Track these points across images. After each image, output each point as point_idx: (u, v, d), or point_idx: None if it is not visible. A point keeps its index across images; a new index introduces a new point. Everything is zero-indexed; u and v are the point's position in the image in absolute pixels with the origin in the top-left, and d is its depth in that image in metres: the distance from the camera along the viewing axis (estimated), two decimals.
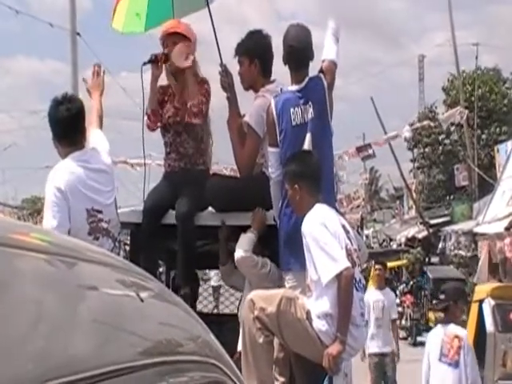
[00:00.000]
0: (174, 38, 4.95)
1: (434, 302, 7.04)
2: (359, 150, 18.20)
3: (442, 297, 6.79)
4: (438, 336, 6.45)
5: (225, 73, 4.96)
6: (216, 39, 5.14)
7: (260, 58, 4.83)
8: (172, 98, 5.04)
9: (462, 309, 6.81)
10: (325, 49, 4.64)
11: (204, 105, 4.88)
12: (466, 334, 6.55)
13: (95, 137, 4.56)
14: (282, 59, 4.60)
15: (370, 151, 18.09)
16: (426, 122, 21.24)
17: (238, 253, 4.50)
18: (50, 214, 4.06)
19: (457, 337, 6.29)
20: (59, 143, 4.27)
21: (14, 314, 0.86)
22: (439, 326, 6.68)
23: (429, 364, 6.47)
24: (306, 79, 4.52)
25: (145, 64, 4.93)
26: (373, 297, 9.92)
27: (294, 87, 4.53)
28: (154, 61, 4.91)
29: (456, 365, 6.22)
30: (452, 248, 22.95)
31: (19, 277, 0.93)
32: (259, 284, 4.46)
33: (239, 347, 4.33)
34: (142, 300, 1.17)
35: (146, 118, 5.02)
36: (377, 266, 10.56)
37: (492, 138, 32.77)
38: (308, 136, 4.38)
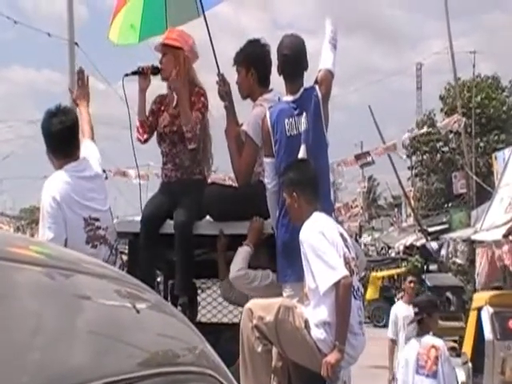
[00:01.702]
0: (163, 49, 4.95)
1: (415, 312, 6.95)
2: (358, 157, 18.21)
3: (415, 310, 6.79)
4: (413, 349, 6.45)
5: (222, 82, 4.97)
6: (213, 48, 5.15)
7: (256, 67, 4.83)
8: (168, 107, 5.05)
9: (436, 319, 6.82)
10: (321, 58, 4.64)
11: (200, 123, 4.85)
12: (443, 343, 6.56)
13: (87, 147, 4.56)
14: (277, 69, 4.60)
15: (369, 158, 18.09)
16: (424, 130, 21.26)
17: (232, 273, 4.51)
18: (45, 225, 4.05)
19: (433, 347, 6.30)
20: (53, 155, 4.25)
21: (13, 327, 0.87)
22: (413, 339, 6.68)
23: (403, 377, 6.45)
24: (301, 90, 4.53)
25: (127, 75, 4.95)
26: (403, 312, 9.02)
27: (289, 98, 4.54)
28: (141, 73, 4.93)
29: (434, 375, 6.22)
30: (450, 256, 22.95)
31: (17, 290, 0.93)
32: (263, 296, 4.45)
33: None
34: (138, 311, 1.18)
35: (134, 130, 5.03)
36: (410, 278, 9.90)
37: (490, 146, 32.81)
38: (302, 147, 4.39)
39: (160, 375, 1.12)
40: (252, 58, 4.85)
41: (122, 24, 5.55)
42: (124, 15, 5.55)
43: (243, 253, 4.56)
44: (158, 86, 5.15)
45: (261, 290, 4.48)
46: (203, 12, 5.31)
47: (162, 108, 5.07)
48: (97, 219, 4.19)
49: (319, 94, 4.48)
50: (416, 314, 6.68)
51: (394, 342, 9.17)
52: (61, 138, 4.19)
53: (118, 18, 5.56)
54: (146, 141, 5.08)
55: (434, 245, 23.81)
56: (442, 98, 36.77)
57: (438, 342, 6.44)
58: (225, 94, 4.97)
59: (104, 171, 4.88)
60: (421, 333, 6.56)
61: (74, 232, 4.08)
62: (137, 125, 5.04)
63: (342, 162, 17.64)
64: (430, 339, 6.41)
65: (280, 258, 4.39)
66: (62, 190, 4.08)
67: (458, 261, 21.83)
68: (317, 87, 4.51)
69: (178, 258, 4.74)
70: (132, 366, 1.06)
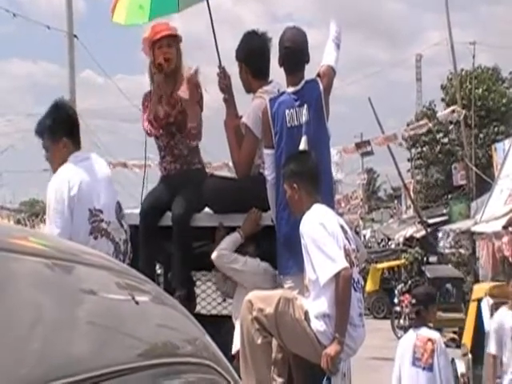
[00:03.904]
0: (169, 40, 4.92)
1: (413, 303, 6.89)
2: (358, 146, 18.19)
3: (413, 301, 6.83)
4: (409, 340, 6.47)
5: (223, 75, 4.95)
6: (215, 40, 5.11)
7: (246, 61, 4.82)
8: (161, 100, 5.02)
9: (433, 312, 6.84)
10: (324, 54, 4.64)
11: (201, 120, 4.89)
12: (439, 336, 6.59)
13: None
14: (278, 61, 4.60)
15: (369, 148, 18.07)
16: (423, 122, 21.24)
17: (214, 253, 4.57)
18: (52, 220, 4.08)
19: (430, 340, 6.33)
20: (69, 139, 4.26)
21: (14, 318, 0.87)
22: (411, 330, 6.70)
23: (400, 369, 6.47)
24: (303, 82, 4.52)
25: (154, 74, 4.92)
26: (510, 321, 6.96)
27: (290, 89, 4.53)
28: (161, 68, 4.89)
29: (430, 368, 6.25)
30: (448, 246, 23.01)
31: (18, 281, 0.94)
32: (246, 282, 4.56)
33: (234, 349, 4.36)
34: (137, 302, 1.18)
35: (146, 123, 4.97)
36: None
37: (490, 138, 32.83)
38: (303, 138, 4.39)
39: (159, 366, 1.13)
40: (242, 53, 4.84)
41: (129, 6, 5.40)
42: None
43: (231, 237, 4.61)
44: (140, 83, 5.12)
45: (245, 275, 4.54)
46: (207, 3, 5.25)
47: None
48: (100, 211, 4.20)
49: (321, 86, 4.47)
50: (413, 305, 6.73)
51: (495, 358, 7.05)
52: (73, 124, 4.32)
53: (121, 2, 5.43)
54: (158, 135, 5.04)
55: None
56: (443, 87, 36.73)
57: (434, 335, 6.46)
58: (225, 87, 4.96)
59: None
60: (417, 324, 6.59)
61: (78, 222, 4.09)
62: (150, 119, 4.95)
63: (342, 149, 17.55)
64: (426, 332, 6.43)
65: (281, 250, 4.40)
66: (69, 183, 4.09)
67: (461, 251, 21.87)
68: (319, 79, 4.51)
69: (175, 251, 4.74)
70: (131, 357, 1.06)
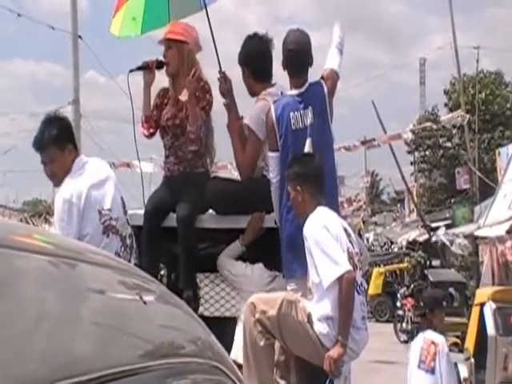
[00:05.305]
0: (168, 43, 4.94)
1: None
2: (363, 143, 18.18)
3: (420, 304, 6.91)
4: (418, 344, 6.51)
5: (223, 79, 4.94)
6: (215, 45, 5.11)
7: (247, 64, 4.83)
8: (171, 101, 5.04)
9: (440, 316, 6.82)
10: (328, 59, 4.64)
11: (204, 122, 4.89)
12: (443, 339, 6.60)
13: None
14: (282, 64, 4.59)
15: (375, 143, 18.06)
16: (428, 124, 21.15)
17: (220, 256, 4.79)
18: (59, 228, 4.11)
19: (433, 343, 6.35)
20: (72, 149, 4.31)
21: (19, 316, 0.86)
22: (420, 333, 6.75)
23: (411, 372, 6.52)
24: (306, 84, 4.52)
25: (132, 71, 4.95)
26: None
27: (294, 92, 4.53)
28: (146, 67, 4.92)
29: (432, 371, 6.28)
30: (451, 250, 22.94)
31: (23, 279, 0.93)
32: (235, 283, 4.81)
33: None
34: (144, 302, 1.18)
35: (138, 125, 5.04)
36: None
37: (495, 142, 32.76)
38: (308, 141, 4.38)
39: (165, 366, 1.12)
40: (243, 57, 4.85)
41: (124, 17, 5.55)
42: (126, 9, 5.54)
43: (232, 246, 4.79)
44: (158, 81, 5.14)
45: (232, 277, 4.76)
46: (205, 7, 5.28)
47: (165, 101, 5.06)
48: (109, 209, 4.24)
49: (325, 88, 4.47)
50: (420, 308, 6.77)
51: None
52: (72, 129, 4.63)
53: (120, 13, 5.57)
54: (151, 135, 5.08)
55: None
56: (446, 92, 36.68)
57: (438, 338, 6.48)
58: (226, 92, 4.95)
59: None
60: (423, 328, 6.63)
61: (94, 226, 4.12)
62: (142, 120, 5.03)
63: (349, 145, 17.45)
64: (430, 335, 6.45)
65: (285, 253, 4.40)
66: (78, 192, 4.11)
67: (460, 251, 21.82)
68: (323, 81, 4.51)
69: (181, 252, 4.75)
70: (136, 357, 1.05)
